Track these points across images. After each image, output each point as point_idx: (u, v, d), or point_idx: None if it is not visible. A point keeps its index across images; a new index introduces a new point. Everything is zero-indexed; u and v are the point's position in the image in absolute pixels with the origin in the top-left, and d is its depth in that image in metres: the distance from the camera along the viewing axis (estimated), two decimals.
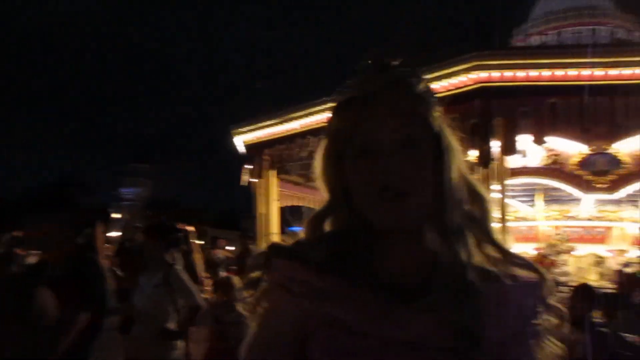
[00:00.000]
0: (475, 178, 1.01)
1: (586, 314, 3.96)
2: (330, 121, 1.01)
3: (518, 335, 0.94)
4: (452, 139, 0.98)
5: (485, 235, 0.99)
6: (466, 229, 0.96)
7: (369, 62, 1.00)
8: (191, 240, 5.80)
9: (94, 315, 2.71)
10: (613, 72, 7.82)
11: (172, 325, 3.82)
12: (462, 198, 0.97)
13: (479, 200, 1.00)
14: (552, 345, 0.99)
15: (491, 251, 0.98)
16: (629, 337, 4.35)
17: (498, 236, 1.00)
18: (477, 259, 0.96)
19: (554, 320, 1.00)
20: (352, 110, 0.95)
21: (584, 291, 3.98)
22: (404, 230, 0.94)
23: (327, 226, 1.03)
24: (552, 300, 1.00)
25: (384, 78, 0.96)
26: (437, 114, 0.97)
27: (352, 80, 1.00)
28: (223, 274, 7.86)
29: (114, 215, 43.74)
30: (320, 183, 1.03)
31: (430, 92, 0.99)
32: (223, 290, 4.74)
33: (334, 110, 1.00)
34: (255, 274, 1.02)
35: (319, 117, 10.99)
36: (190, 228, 6.15)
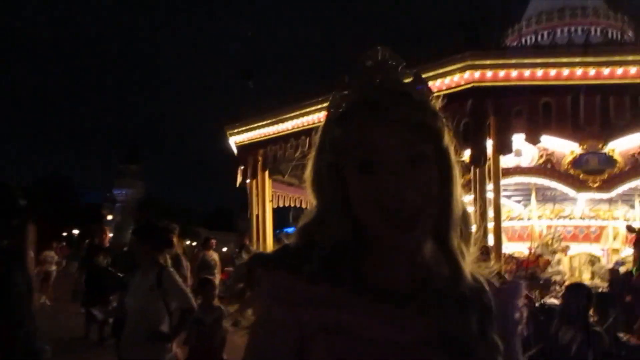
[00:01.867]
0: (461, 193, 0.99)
1: (580, 313, 3.95)
2: (327, 128, 0.94)
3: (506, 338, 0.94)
4: (456, 157, 0.95)
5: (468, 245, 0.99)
6: (467, 241, 0.97)
7: (370, 63, 0.94)
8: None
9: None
10: (606, 71, 7.84)
11: (164, 327, 3.78)
12: (461, 211, 0.95)
13: (466, 217, 0.99)
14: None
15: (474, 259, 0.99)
16: (622, 336, 4.36)
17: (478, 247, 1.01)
18: (468, 269, 0.95)
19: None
20: (356, 118, 0.89)
21: (578, 290, 3.96)
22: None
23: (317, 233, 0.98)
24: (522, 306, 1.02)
25: (393, 86, 0.91)
26: (446, 129, 0.93)
27: (353, 83, 0.94)
28: (218, 275, 7.85)
29: (107, 217, 43.62)
30: (312, 191, 0.98)
31: (434, 102, 0.94)
32: (204, 292, 4.73)
33: (334, 116, 0.93)
34: (239, 286, 0.98)
35: (313, 117, 10.98)
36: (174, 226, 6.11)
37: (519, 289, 1.04)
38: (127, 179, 60.00)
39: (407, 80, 0.93)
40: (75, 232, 39.49)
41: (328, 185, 0.94)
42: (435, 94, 0.95)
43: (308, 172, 0.99)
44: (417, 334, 0.88)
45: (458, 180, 0.93)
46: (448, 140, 0.93)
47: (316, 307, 0.89)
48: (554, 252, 9.81)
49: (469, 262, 0.96)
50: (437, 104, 0.94)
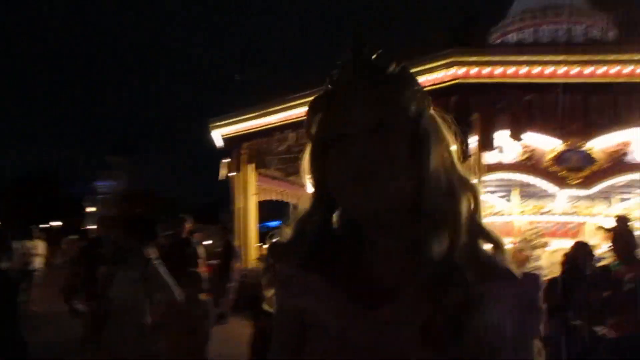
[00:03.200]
0: (463, 167, 0.94)
1: (560, 308, 4.04)
2: (307, 117, 0.98)
3: (515, 339, 0.85)
4: (435, 125, 0.93)
5: (476, 226, 0.92)
6: (452, 221, 0.88)
7: (348, 52, 0.96)
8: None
9: None
10: (587, 70, 7.96)
11: (149, 320, 3.77)
12: (444, 187, 0.89)
13: (468, 190, 0.93)
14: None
15: (481, 244, 0.92)
16: (600, 329, 4.46)
17: (489, 228, 0.93)
18: (465, 254, 0.87)
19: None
20: (325, 101, 0.94)
21: (558, 285, 4.05)
22: (382, 218, 0.89)
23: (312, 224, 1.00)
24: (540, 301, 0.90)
25: (354, 65, 0.94)
26: (417, 99, 0.92)
27: (334, 72, 0.97)
28: (202, 267, 7.83)
29: (89, 209, 43.13)
30: (308, 182, 1.01)
31: (407, 76, 0.94)
32: (190, 285, 4.69)
33: (309, 105, 0.98)
34: (266, 277, 1.10)
35: (299, 110, 10.97)
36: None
37: (539, 281, 0.92)
38: (112, 171, 59.28)
39: (375, 57, 0.94)
40: (56, 224, 38.97)
41: (315, 169, 0.97)
42: (404, 64, 0.96)
43: (303, 163, 1.00)
44: (388, 341, 0.86)
45: (437, 152, 0.90)
46: (420, 110, 0.92)
47: (308, 297, 0.94)
48: (534, 248, 9.95)
49: (453, 240, 0.87)
50: (407, 73, 0.94)
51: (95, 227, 6.42)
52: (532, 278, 0.91)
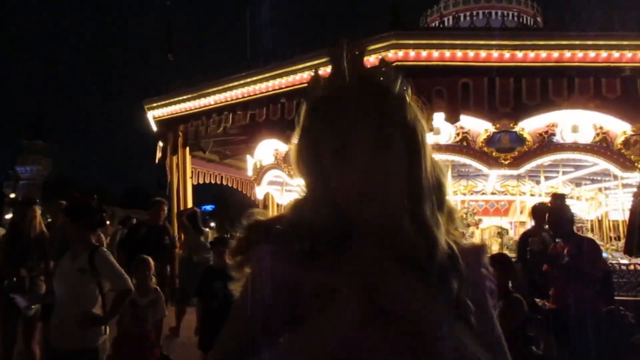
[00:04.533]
0: (439, 165, 1.03)
1: (502, 282, 4.21)
2: (304, 119, 1.00)
3: (481, 306, 0.98)
4: (424, 134, 0.99)
5: (450, 216, 1.03)
6: (436, 213, 0.99)
7: (336, 53, 0.99)
8: None
9: None
10: (519, 54, 8.27)
11: (97, 310, 3.63)
12: (433, 189, 0.98)
13: (440, 187, 1.02)
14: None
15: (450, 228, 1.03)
16: (539, 301, 4.72)
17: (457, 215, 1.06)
18: (443, 238, 0.98)
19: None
20: (327, 108, 0.95)
21: (499, 260, 4.22)
22: (382, 227, 0.95)
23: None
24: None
25: (357, 75, 0.96)
26: (413, 112, 0.97)
27: (325, 74, 0.99)
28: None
29: (11, 195, 40.83)
30: (299, 174, 1.03)
31: (405, 90, 0.98)
32: (139, 272, 4.54)
33: (308, 108, 0.99)
34: (238, 258, 1.04)
35: (236, 92, 10.80)
36: None
37: (484, 251, 1.09)
38: (32, 155, 56.27)
39: (372, 68, 0.99)
40: None
41: (310, 170, 0.99)
42: (402, 78, 1.00)
43: (292, 158, 1.03)
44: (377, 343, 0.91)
45: (428, 155, 0.97)
46: (415, 119, 0.97)
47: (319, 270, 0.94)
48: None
49: (443, 230, 0.99)
50: (404, 86, 0.98)
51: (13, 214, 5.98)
52: (482, 247, 1.09)
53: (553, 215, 4.88)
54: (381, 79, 0.97)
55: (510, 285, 4.28)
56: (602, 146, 8.83)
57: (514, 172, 9.65)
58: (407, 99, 0.98)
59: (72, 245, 3.73)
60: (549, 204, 5.21)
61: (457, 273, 0.96)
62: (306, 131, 0.99)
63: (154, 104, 12.59)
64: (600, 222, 13.02)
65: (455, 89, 8.32)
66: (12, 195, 39.46)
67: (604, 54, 8.21)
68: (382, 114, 0.92)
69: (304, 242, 0.96)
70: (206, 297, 4.96)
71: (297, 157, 1.01)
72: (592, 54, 8.22)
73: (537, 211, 5.86)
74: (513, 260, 5.10)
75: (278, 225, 1.02)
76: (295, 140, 1.02)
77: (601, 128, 8.83)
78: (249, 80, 10.39)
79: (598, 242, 10.27)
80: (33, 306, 4.98)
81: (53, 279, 3.84)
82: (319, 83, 1.00)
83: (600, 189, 12.07)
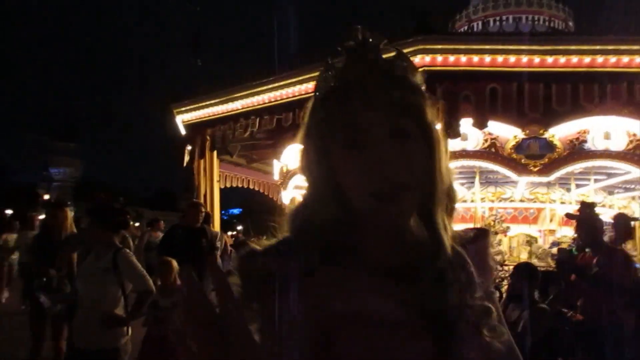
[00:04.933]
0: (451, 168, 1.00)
1: (526, 291, 4.13)
2: (313, 110, 0.96)
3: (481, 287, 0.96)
4: (440, 131, 0.96)
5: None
6: (445, 217, 0.97)
7: (352, 43, 0.94)
8: None
9: None
10: (549, 59, 8.13)
11: (119, 311, 3.68)
12: (447, 188, 0.96)
13: (451, 192, 1.00)
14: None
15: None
16: (566, 312, 4.60)
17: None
18: (449, 242, 0.96)
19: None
20: (339, 98, 0.91)
21: (525, 270, 4.14)
22: (396, 225, 0.92)
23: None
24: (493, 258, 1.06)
25: (373, 63, 0.92)
26: (429, 105, 0.94)
27: (336, 64, 0.95)
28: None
29: (45, 197, 41.82)
30: (302, 174, 0.99)
31: (422, 82, 0.95)
32: (162, 273, 4.58)
33: (318, 98, 0.95)
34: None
35: (263, 97, 10.87)
36: None
37: (488, 234, 1.09)
38: (63, 157, 57.61)
39: (387, 57, 0.93)
40: (8, 212, 37.61)
41: (316, 167, 0.95)
42: (418, 69, 0.97)
43: (298, 156, 0.99)
44: (408, 310, 0.88)
45: (443, 155, 0.94)
46: (431, 115, 0.94)
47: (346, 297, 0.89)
48: (496, 234, 10.20)
49: (450, 235, 0.97)
50: (420, 79, 0.95)
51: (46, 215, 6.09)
52: (484, 232, 1.08)
53: (582, 224, 4.76)
54: (397, 68, 0.93)
55: (536, 295, 4.19)
56: (636, 154, 8.62)
57: (544, 179, 9.48)
58: (423, 92, 0.95)
59: (96, 246, 3.79)
60: (578, 213, 5.09)
61: (465, 277, 0.93)
62: (314, 124, 0.94)
63: (183, 108, 12.76)
64: (634, 231, 12.69)
65: (484, 95, 8.21)
66: (46, 197, 40.43)
67: (638, 59, 8.01)
68: (398, 105, 0.88)
69: (313, 253, 0.89)
70: None
71: (302, 154, 0.98)
72: (625, 59, 8.02)
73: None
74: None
75: (279, 246, 0.94)
76: (300, 138, 0.98)
77: (634, 135, 8.62)
78: (275, 85, 10.45)
79: (631, 252, 10.13)
80: (59, 306, 5.08)
81: (76, 279, 3.91)
82: (330, 73, 0.95)
83: (633, 198, 11.76)
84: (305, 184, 1.00)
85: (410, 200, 0.88)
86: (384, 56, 0.94)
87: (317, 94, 0.95)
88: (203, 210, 6.74)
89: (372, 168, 0.85)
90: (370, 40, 0.94)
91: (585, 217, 4.78)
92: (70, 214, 5.83)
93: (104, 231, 3.74)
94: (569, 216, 5.36)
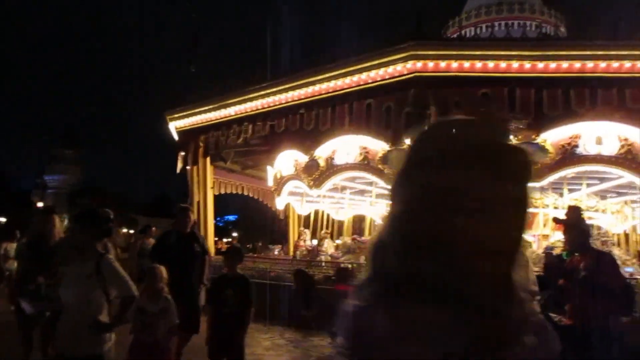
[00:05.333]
0: None
1: None
2: (430, 172, 0.97)
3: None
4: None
5: None
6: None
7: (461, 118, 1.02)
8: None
9: None
10: (540, 65, 8.16)
11: (104, 317, 3.65)
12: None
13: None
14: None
15: None
16: (554, 316, 4.59)
17: None
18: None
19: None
20: (450, 164, 0.95)
21: None
22: None
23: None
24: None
25: (486, 141, 0.97)
26: (527, 174, 0.98)
27: (444, 131, 1.01)
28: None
29: (38, 204, 41.66)
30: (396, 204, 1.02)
31: (521, 157, 0.99)
32: (148, 280, 4.56)
33: (435, 160, 0.97)
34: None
35: (256, 103, 10.88)
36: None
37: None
38: (60, 164, 57.38)
39: (495, 135, 0.99)
40: (2, 220, 37.46)
41: (417, 214, 0.97)
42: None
43: (396, 189, 1.02)
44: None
45: (527, 219, 0.99)
46: (527, 186, 0.98)
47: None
48: None
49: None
50: (524, 157, 0.99)
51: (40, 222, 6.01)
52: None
53: (570, 228, 4.76)
54: (506, 142, 0.99)
55: None
56: (627, 158, 8.62)
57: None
58: (526, 167, 0.98)
59: (80, 253, 3.77)
60: (565, 217, 5.08)
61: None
62: (418, 180, 0.98)
63: (176, 115, 12.77)
64: (627, 235, 12.68)
65: (474, 100, 8.23)
66: (40, 204, 40.27)
67: (627, 64, 8.05)
68: (500, 176, 0.93)
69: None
70: (216, 304, 4.97)
71: (405, 199, 1.00)
72: (615, 64, 8.06)
73: None
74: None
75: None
76: (400, 174, 1.02)
77: (626, 139, 8.62)
78: (268, 91, 10.47)
79: (624, 256, 10.10)
80: (47, 313, 5.04)
81: (60, 285, 3.87)
82: (433, 135, 1.02)
83: (626, 202, 11.77)
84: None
85: (506, 261, 0.93)
86: (493, 134, 0.99)
87: (428, 149, 1.00)
88: (191, 215, 6.70)
89: (475, 234, 0.91)
90: (487, 117, 1.02)
91: (573, 221, 4.79)
92: (59, 221, 5.80)
93: (88, 238, 3.72)
94: (556, 220, 5.36)
